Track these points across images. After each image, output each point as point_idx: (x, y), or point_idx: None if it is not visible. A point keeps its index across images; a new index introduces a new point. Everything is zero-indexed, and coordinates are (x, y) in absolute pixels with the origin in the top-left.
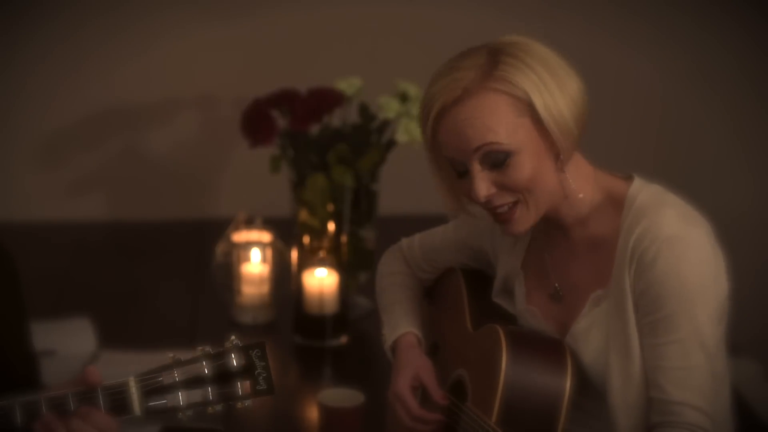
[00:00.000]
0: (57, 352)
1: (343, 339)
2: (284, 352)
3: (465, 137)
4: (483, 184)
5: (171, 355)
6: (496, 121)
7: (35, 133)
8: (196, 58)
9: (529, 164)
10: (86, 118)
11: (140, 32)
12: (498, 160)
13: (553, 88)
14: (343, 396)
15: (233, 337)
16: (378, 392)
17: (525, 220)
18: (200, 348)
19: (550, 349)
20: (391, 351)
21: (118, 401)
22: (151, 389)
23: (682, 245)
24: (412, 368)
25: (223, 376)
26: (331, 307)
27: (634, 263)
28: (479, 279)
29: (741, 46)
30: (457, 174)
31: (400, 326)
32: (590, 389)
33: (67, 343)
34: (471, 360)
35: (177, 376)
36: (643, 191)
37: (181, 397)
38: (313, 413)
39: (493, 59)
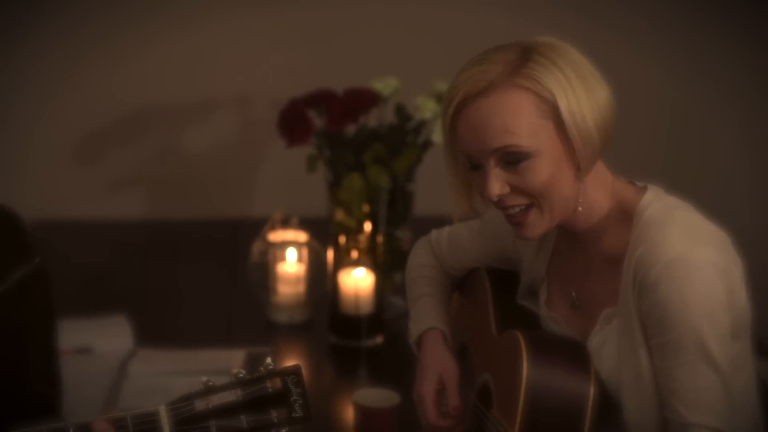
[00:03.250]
0: (94, 349)
1: (379, 339)
2: (319, 352)
3: (484, 135)
4: (497, 183)
5: (204, 379)
6: (518, 122)
7: (74, 131)
8: (234, 58)
9: (547, 169)
10: (124, 117)
11: (179, 32)
12: (515, 160)
13: (580, 93)
14: (378, 396)
15: (269, 361)
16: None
17: (538, 225)
18: (234, 371)
19: (572, 354)
20: (416, 345)
21: (148, 430)
22: (183, 418)
23: (685, 268)
24: (437, 370)
25: (258, 403)
26: (366, 307)
27: (637, 285)
28: (504, 280)
29: (749, 50)
30: (471, 166)
31: (426, 321)
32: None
33: (104, 341)
34: (495, 365)
35: (210, 403)
36: (653, 205)
37: (214, 426)
38: (348, 413)
39: (523, 56)
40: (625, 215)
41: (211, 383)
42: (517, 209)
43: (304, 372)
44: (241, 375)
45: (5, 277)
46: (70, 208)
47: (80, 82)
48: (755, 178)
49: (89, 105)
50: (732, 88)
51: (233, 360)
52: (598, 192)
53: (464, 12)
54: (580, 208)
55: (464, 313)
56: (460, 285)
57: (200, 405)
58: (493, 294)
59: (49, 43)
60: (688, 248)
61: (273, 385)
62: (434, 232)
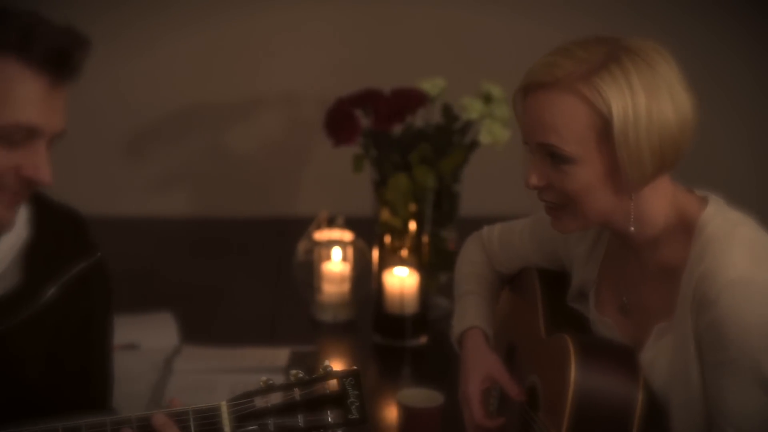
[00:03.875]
0: (140, 345)
1: (423, 339)
2: (363, 352)
3: (534, 126)
4: (535, 174)
5: (264, 378)
6: (568, 126)
7: (121, 129)
8: (281, 57)
9: (584, 179)
10: (171, 115)
11: (228, 31)
12: (558, 157)
13: (642, 115)
14: (422, 396)
15: (327, 363)
16: (457, 393)
17: (571, 223)
18: (294, 372)
19: (621, 360)
20: (457, 343)
21: (208, 425)
22: (243, 414)
23: (747, 290)
24: (483, 368)
25: (315, 404)
26: (411, 307)
27: (696, 303)
28: (555, 281)
29: (751, 50)
30: (524, 142)
31: (469, 319)
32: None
33: (150, 337)
34: (543, 367)
35: (269, 401)
36: (716, 220)
37: (272, 424)
38: (392, 413)
39: (602, 62)
40: (684, 227)
41: (271, 382)
42: (551, 203)
43: None
44: (301, 375)
45: (69, 270)
46: (117, 205)
47: (130, 80)
48: (758, 177)
49: (138, 103)
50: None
51: (277, 358)
52: (656, 204)
53: (511, 14)
54: (632, 228)
55: (513, 313)
56: (510, 283)
57: (260, 403)
58: (542, 295)
59: (98, 40)
60: (751, 269)
61: (331, 386)
62: (486, 229)
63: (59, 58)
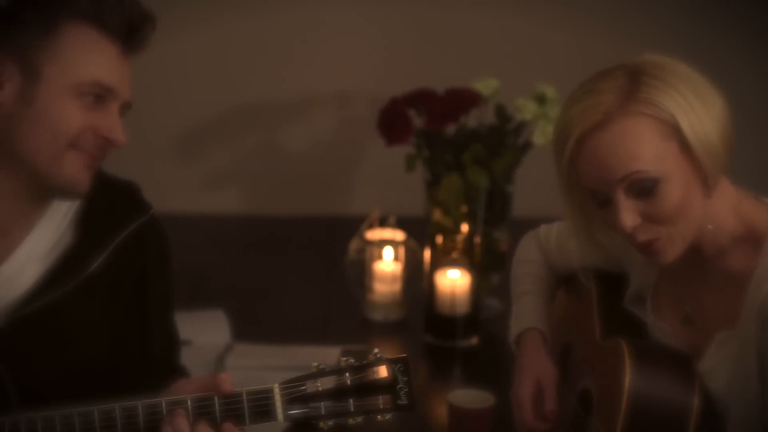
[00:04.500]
0: (193, 342)
1: (474, 340)
2: (414, 352)
3: (608, 166)
4: (629, 215)
5: (315, 364)
6: (642, 148)
7: (174, 127)
8: (334, 56)
9: (677, 192)
10: (224, 113)
11: (280, 29)
12: (645, 188)
13: (699, 109)
14: (473, 397)
15: (377, 350)
16: (508, 394)
17: (671, 251)
18: (344, 359)
19: (677, 366)
20: (515, 344)
21: (262, 407)
22: (294, 397)
23: None
24: (535, 372)
25: (365, 389)
26: (462, 307)
27: (762, 316)
28: (612, 283)
29: (753, 49)
30: (598, 204)
31: (526, 320)
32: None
33: (202, 334)
34: (598, 370)
35: (320, 385)
36: None
37: (323, 407)
38: (442, 413)
39: (633, 80)
40: (752, 234)
41: (322, 367)
42: (649, 240)
43: None
44: (351, 361)
45: (122, 230)
46: (171, 203)
47: (182, 78)
48: (762, 177)
49: (192, 100)
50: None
51: (328, 357)
52: (723, 208)
53: (565, 16)
54: (710, 226)
55: (568, 313)
56: (566, 283)
57: (311, 387)
58: (599, 296)
59: (154, 38)
60: None
61: (381, 372)
62: (543, 228)
63: (128, 28)
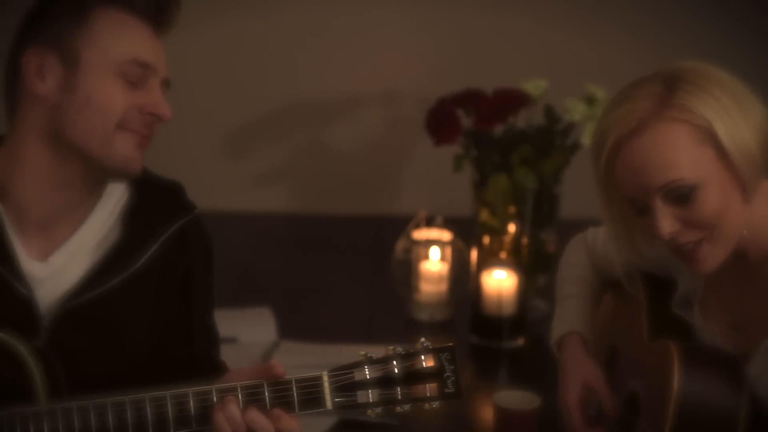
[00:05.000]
0: (239, 339)
1: (520, 341)
2: (460, 352)
3: (644, 174)
4: (667, 222)
5: (363, 352)
6: (677, 155)
7: (223, 125)
8: (383, 56)
9: (715, 197)
10: (272, 112)
11: (329, 29)
12: (682, 195)
13: (735, 114)
14: (519, 398)
15: (423, 339)
16: (554, 396)
17: (713, 258)
18: (391, 347)
19: (726, 369)
20: (556, 347)
21: (310, 394)
22: (343, 385)
23: None
24: (581, 376)
25: (412, 377)
26: (509, 308)
27: None
28: (660, 286)
29: (756, 50)
30: (637, 211)
31: (568, 323)
32: None
33: (248, 332)
34: (645, 373)
35: (368, 373)
36: None
37: (370, 395)
38: (487, 414)
39: (669, 87)
40: None
41: (370, 355)
42: (690, 245)
43: None
44: (398, 350)
45: (167, 228)
46: (218, 200)
47: (231, 77)
48: None
49: (239, 99)
50: (573, 79)
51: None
52: (766, 212)
53: (614, 17)
54: (744, 231)
55: (616, 317)
56: (613, 287)
57: (359, 375)
58: (647, 299)
59: (202, 37)
60: None
61: (427, 360)
62: (590, 231)
63: (155, 8)
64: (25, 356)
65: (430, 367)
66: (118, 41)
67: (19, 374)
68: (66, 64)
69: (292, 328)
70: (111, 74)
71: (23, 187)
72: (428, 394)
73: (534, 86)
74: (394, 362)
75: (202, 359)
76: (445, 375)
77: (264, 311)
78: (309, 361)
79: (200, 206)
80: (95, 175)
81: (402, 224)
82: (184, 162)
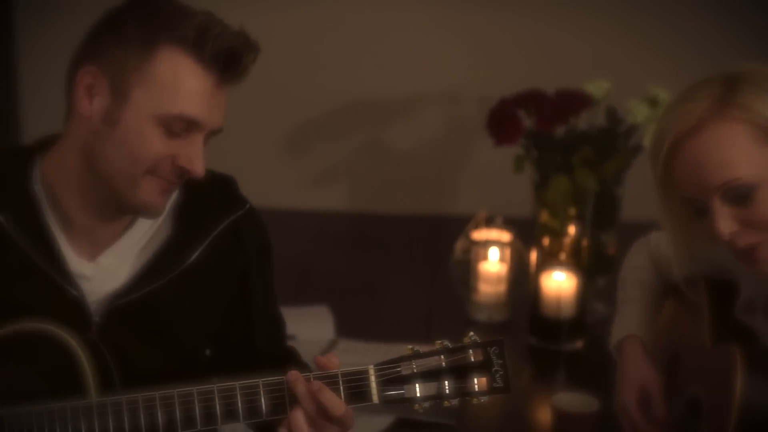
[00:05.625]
0: (297, 337)
1: (579, 343)
2: (518, 353)
3: (703, 174)
4: (725, 222)
5: (410, 347)
6: (736, 154)
7: (285, 123)
8: (443, 56)
9: None
10: (333, 110)
11: (391, 28)
12: (741, 195)
13: None
14: (577, 401)
15: (472, 333)
16: (612, 400)
17: None
18: (439, 342)
19: None
20: (615, 350)
21: (357, 388)
22: (390, 379)
23: None
24: (638, 379)
25: (460, 371)
26: (568, 310)
27: None
28: (723, 290)
29: (759, 49)
30: (695, 212)
31: (628, 327)
32: None
33: (306, 330)
34: (707, 378)
35: (415, 367)
36: None
37: (418, 389)
38: (544, 416)
39: (730, 87)
40: None
41: (417, 349)
42: (751, 246)
43: None
44: (446, 344)
45: (219, 224)
46: (277, 198)
47: (294, 75)
48: None
49: (301, 97)
50: (636, 80)
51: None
52: None
53: (678, 18)
54: None
55: (678, 321)
56: (675, 291)
57: (406, 368)
58: (710, 304)
59: (266, 33)
60: None
61: (476, 355)
62: (653, 235)
63: (229, 58)
64: (77, 351)
65: (479, 361)
66: (171, 93)
67: (71, 369)
68: (115, 95)
69: (350, 326)
70: (154, 121)
71: (66, 194)
72: (476, 389)
73: (596, 87)
74: (442, 356)
75: (266, 351)
76: (494, 369)
77: (322, 309)
78: (366, 359)
79: (260, 204)
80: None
81: (461, 224)
82: (245, 159)
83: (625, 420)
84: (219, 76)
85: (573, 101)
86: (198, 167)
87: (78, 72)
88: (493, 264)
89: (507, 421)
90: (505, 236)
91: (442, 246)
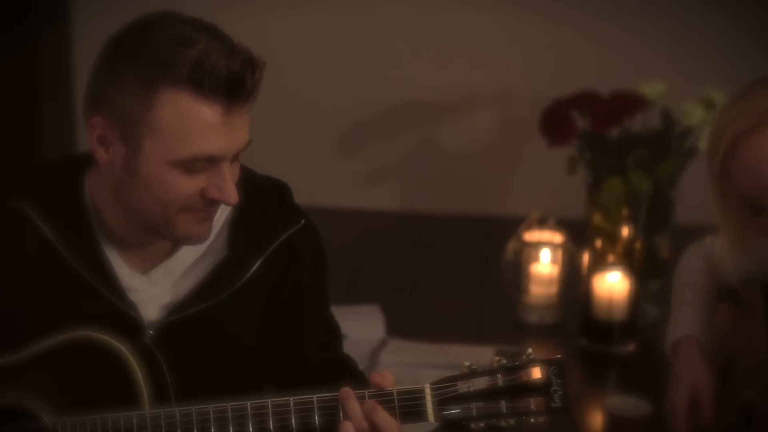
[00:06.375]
0: (348, 336)
1: (631, 346)
2: (569, 355)
3: (761, 172)
4: None
5: (467, 363)
6: None
7: (338, 123)
8: (496, 56)
9: None
10: (386, 110)
11: (446, 29)
12: None
13: None
14: (628, 404)
15: (530, 351)
16: (664, 403)
17: None
18: (496, 359)
19: None
20: (670, 352)
21: (412, 407)
22: (446, 398)
23: None
24: (690, 381)
25: (518, 390)
26: (620, 313)
27: None
28: None
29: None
30: (752, 211)
31: (683, 328)
32: None
33: (357, 329)
34: (762, 384)
35: (472, 386)
36: None
37: (474, 408)
38: (595, 419)
39: None
40: None
41: (474, 367)
42: None
43: None
44: (504, 362)
45: (274, 240)
46: (329, 197)
47: (346, 75)
48: None
49: (354, 96)
50: (692, 82)
51: (481, 357)
52: None
53: (731, 19)
54: None
55: (733, 325)
56: (730, 295)
57: (463, 387)
58: (766, 307)
59: (319, 36)
60: None
61: (534, 374)
62: (708, 238)
63: (230, 86)
64: (130, 360)
65: (537, 380)
66: (181, 137)
67: (124, 379)
68: (127, 146)
69: (400, 326)
70: (171, 166)
71: (111, 217)
72: (534, 409)
73: (651, 89)
74: (499, 375)
75: (322, 359)
76: (552, 389)
77: (373, 309)
78: (416, 360)
79: (312, 202)
80: None
81: (512, 225)
82: (299, 159)
83: (673, 421)
84: (226, 104)
85: (628, 102)
86: (229, 196)
87: (88, 123)
88: (545, 265)
89: (558, 424)
90: (557, 238)
91: (493, 247)
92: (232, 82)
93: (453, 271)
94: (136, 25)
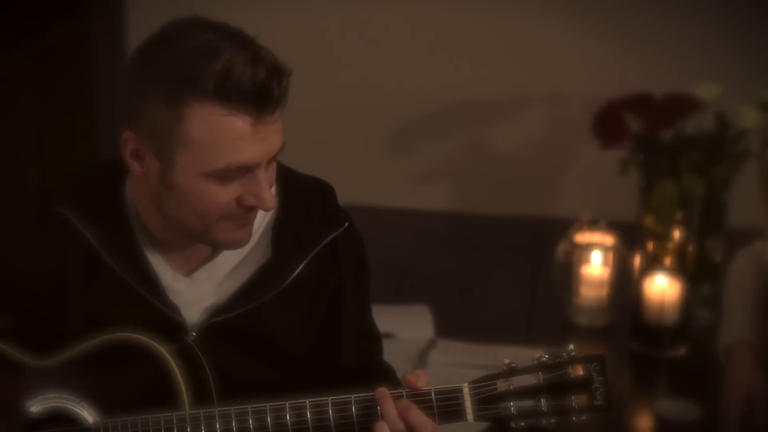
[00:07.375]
0: (396, 335)
1: (682, 350)
2: (619, 358)
3: None
4: None
5: (507, 361)
6: None
7: (389, 122)
8: (550, 56)
9: None
10: (437, 110)
11: (497, 31)
12: None
13: None
14: (679, 409)
15: (571, 347)
16: (715, 408)
17: None
18: (537, 356)
19: None
20: (724, 356)
21: (451, 407)
22: (484, 397)
23: None
24: (744, 386)
25: (559, 388)
26: (671, 316)
27: None
28: None
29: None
30: None
31: (736, 332)
32: None
33: (406, 328)
34: None
35: (511, 384)
36: None
37: (513, 407)
38: (645, 423)
39: None
40: None
41: (513, 365)
42: None
43: None
44: (544, 359)
45: (317, 243)
46: (379, 196)
47: (398, 75)
48: None
49: (405, 96)
50: (747, 85)
51: (530, 359)
52: None
53: None
54: None
55: None
56: None
57: (502, 385)
58: None
59: (370, 35)
60: None
61: (575, 371)
62: (760, 243)
63: (258, 96)
64: (170, 361)
65: (578, 378)
66: (212, 150)
67: (165, 380)
68: (161, 160)
69: (449, 326)
70: (205, 178)
71: (151, 222)
72: (575, 406)
73: (705, 91)
74: (540, 372)
75: (359, 364)
76: (594, 386)
77: (422, 308)
78: (464, 360)
79: (363, 202)
80: None
81: (563, 226)
82: (350, 158)
83: (728, 424)
84: (255, 114)
85: (681, 104)
86: (266, 202)
87: (121, 136)
88: (596, 267)
89: (605, 426)
90: (608, 239)
91: (544, 248)
92: (259, 93)
93: (503, 271)
94: (159, 37)
